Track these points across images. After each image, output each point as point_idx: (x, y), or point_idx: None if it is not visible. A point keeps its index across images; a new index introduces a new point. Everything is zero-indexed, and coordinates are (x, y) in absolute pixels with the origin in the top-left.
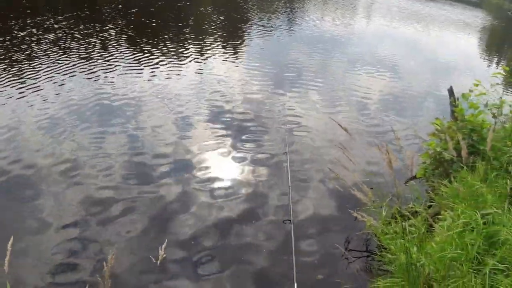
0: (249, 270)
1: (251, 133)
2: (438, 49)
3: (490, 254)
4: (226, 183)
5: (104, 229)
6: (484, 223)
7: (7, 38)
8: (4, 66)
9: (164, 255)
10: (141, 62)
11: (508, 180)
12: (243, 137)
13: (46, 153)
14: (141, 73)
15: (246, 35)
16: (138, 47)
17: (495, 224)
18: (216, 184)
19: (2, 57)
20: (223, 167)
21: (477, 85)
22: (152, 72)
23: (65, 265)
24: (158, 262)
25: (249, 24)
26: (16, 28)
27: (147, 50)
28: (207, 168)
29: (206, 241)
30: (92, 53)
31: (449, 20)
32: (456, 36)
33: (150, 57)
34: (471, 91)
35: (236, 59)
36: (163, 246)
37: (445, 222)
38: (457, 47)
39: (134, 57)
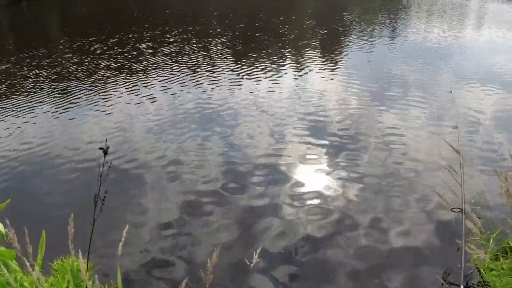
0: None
1: (348, 150)
2: None
3: None
4: (318, 200)
5: (198, 230)
6: None
7: (127, 49)
8: (123, 75)
9: (258, 260)
10: (243, 74)
11: None
12: (340, 154)
13: (154, 156)
14: (242, 84)
15: (347, 48)
16: (240, 60)
17: None
18: (308, 201)
19: (123, 66)
20: (317, 183)
21: None
22: (253, 84)
23: (161, 259)
24: (252, 266)
25: (351, 37)
26: (133, 41)
27: (249, 62)
28: (300, 183)
29: (295, 254)
30: (199, 66)
31: None
32: None
33: (252, 70)
34: None
35: (336, 73)
36: (258, 251)
37: None
38: None
39: (236, 69)
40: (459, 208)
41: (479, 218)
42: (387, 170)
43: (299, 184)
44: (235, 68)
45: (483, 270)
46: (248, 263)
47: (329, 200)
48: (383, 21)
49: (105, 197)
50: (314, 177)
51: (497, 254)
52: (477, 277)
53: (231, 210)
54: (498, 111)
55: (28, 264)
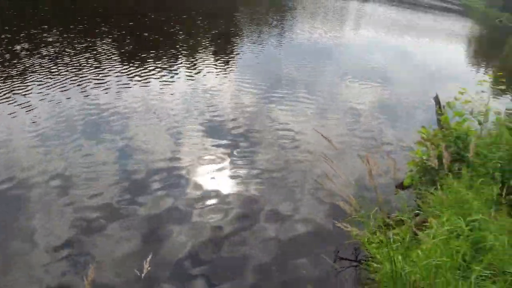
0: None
1: (243, 148)
2: (427, 58)
3: (477, 261)
4: (219, 200)
5: (94, 246)
6: (470, 230)
7: None
8: None
9: (149, 268)
10: (132, 76)
11: (494, 186)
12: (235, 152)
13: (36, 171)
14: (131, 87)
15: (237, 48)
16: (128, 61)
17: (481, 231)
18: (208, 201)
19: None
20: (216, 183)
21: (462, 93)
22: (143, 86)
23: (54, 281)
24: (143, 275)
25: (240, 38)
26: (6, 42)
27: (138, 64)
28: (199, 184)
29: (200, 255)
30: (83, 67)
31: (437, 29)
32: (444, 45)
33: (142, 71)
34: (456, 99)
35: (228, 72)
36: (148, 259)
37: (431, 230)
38: (446, 56)
39: (125, 71)
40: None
41: (359, 198)
42: (280, 164)
43: (198, 186)
44: (123, 70)
45: (364, 245)
46: (139, 274)
47: (229, 198)
48: (270, 22)
49: None
50: (212, 177)
51: (376, 230)
52: (364, 252)
53: (129, 221)
54: (375, 102)
55: None
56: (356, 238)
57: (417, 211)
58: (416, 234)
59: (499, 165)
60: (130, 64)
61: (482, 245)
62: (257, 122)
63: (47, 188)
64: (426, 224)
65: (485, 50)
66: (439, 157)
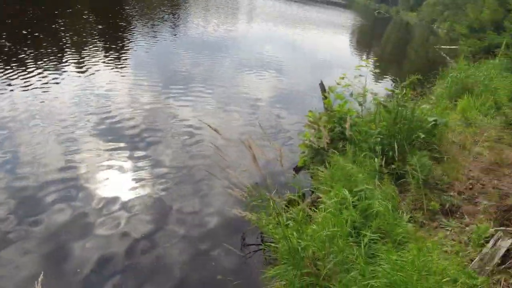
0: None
1: (141, 148)
2: (314, 48)
3: (367, 227)
4: (121, 205)
5: None
6: (358, 200)
7: None
8: None
9: None
10: (10, 79)
11: (375, 159)
12: (134, 153)
13: None
14: (10, 92)
15: (129, 44)
16: (5, 62)
17: (367, 199)
18: (111, 208)
19: None
20: (117, 188)
21: (342, 78)
22: (27, 88)
23: None
24: None
25: (132, 32)
26: None
27: (18, 64)
28: (98, 191)
29: (109, 266)
30: None
31: (324, 21)
32: (329, 36)
33: (22, 72)
34: (338, 84)
35: (121, 69)
36: (39, 279)
37: (324, 204)
38: (331, 46)
39: (2, 72)
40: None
41: (256, 183)
42: (181, 161)
43: (98, 194)
44: (2, 72)
45: (264, 227)
46: None
47: (132, 202)
48: (163, 16)
49: None
50: (112, 183)
51: (271, 212)
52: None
53: (23, 244)
54: (270, 92)
55: None
56: (255, 222)
57: (312, 190)
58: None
59: (379, 139)
60: (7, 66)
61: (370, 212)
62: (154, 120)
63: None
64: (320, 199)
65: (365, 39)
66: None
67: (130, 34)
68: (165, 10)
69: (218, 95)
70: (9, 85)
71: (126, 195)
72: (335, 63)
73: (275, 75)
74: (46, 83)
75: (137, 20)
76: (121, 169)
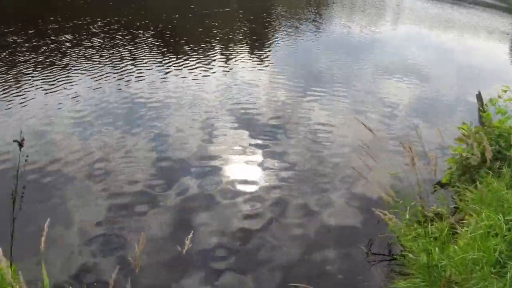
0: (263, 270)
1: (278, 140)
2: (469, 55)
3: None
4: (252, 190)
5: (128, 226)
6: (509, 229)
7: (45, 42)
8: (41, 70)
9: (190, 245)
10: (171, 68)
11: None
12: (270, 145)
13: (75, 155)
14: (170, 78)
15: (273, 41)
16: (168, 53)
17: None
18: (242, 192)
19: (41, 61)
20: (249, 174)
21: (505, 90)
22: (182, 78)
23: (90, 259)
24: (184, 251)
25: (276, 30)
26: (55, 32)
27: (177, 56)
28: (233, 175)
29: (231, 244)
30: (124, 59)
31: (480, 26)
32: (487, 42)
33: (180, 63)
34: (499, 96)
35: (263, 64)
36: (189, 236)
37: (469, 226)
38: (488, 53)
39: (164, 63)
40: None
41: (396, 191)
42: (317, 156)
43: (230, 176)
44: (163, 62)
45: (400, 237)
46: (180, 249)
47: (261, 189)
48: (308, 16)
49: (23, 193)
50: (246, 168)
51: (412, 223)
52: (397, 244)
53: (163, 207)
54: (415, 99)
55: None
56: (393, 230)
57: (454, 208)
58: (454, 229)
59: None
60: (169, 57)
61: None
62: (292, 116)
63: (86, 171)
64: (464, 221)
65: None
66: (481, 155)
67: (274, 32)
68: (312, 10)
69: (354, 98)
70: (171, 72)
71: (254, 182)
72: (493, 74)
73: (419, 82)
74: (200, 73)
75: (283, 20)
76: (252, 156)
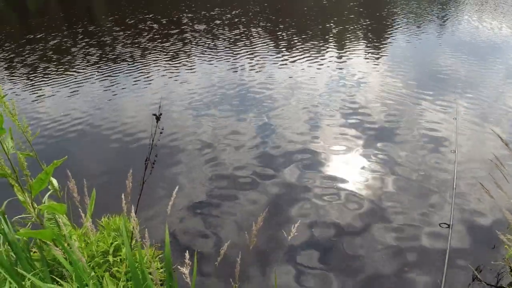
0: (351, 275)
1: (385, 142)
2: None
3: None
4: (351, 190)
5: (233, 208)
6: None
7: (175, 31)
8: (168, 58)
9: (296, 233)
10: (284, 59)
11: None
12: (376, 146)
13: (188, 131)
14: (283, 69)
15: (390, 37)
16: (281, 44)
17: None
18: (341, 189)
19: (169, 49)
20: (351, 173)
21: None
22: (294, 69)
23: (201, 230)
24: (289, 238)
25: (395, 26)
26: (185, 21)
27: (290, 47)
28: (335, 170)
29: (324, 241)
30: (240, 48)
31: None
32: None
33: (293, 55)
34: None
35: (380, 59)
36: (296, 225)
37: None
38: None
39: (278, 54)
40: (447, 224)
41: None
42: (424, 166)
43: (334, 172)
44: (276, 53)
45: None
46: (286, 235)
47: (362, 191)
48: (432, 10)
49: (155, 160)
50: (348, 166)
51: None
52: (508, 276)
53: (265, 193)
54: None
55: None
56: (509, 259)
57: None
58: None
59: None
60: (283, 48)
61: None
62: (405, 119)
63: (194, 148)
64: None
65: None
66: None
67: (392, 28)
68: (435, 3)
69: (479, 104)
70: (284, 63)
71: (354, 181)
72: None
73: None
74: (312, 65)
75: (401, 15)
76: (357, 155)
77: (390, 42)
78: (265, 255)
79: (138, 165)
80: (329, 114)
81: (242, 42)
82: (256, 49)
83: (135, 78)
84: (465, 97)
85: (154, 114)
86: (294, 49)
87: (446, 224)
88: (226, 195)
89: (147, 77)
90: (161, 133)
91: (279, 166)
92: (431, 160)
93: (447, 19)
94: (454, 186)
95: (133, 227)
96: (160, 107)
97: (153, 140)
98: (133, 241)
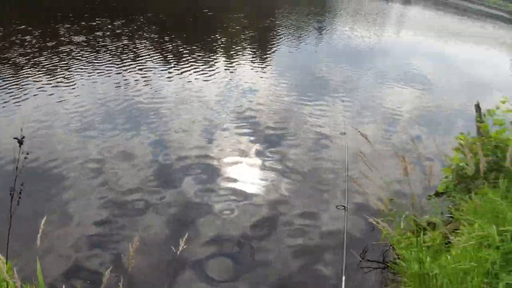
0: (258, 276)
1: (277, 146)
2: (471, 66)
3: (506, 271)
4: (246, 190)
5: (127, 225)
6: (502, 240)
7: (52, 42)
8: (43, 69)
9: (185, 247)
10: (172, 70)
11: None
12: (269, 146)
13: (75, 152)
14: (171, 78)
15: (275, 45)
16: (170, 55)
17: None
18: (237, 190)
19: (44, 60)
20: (247, 174)
21: (504, 102)
22: (181, 77)
23: (89, 253)
24: (178, 252)
25: (279, 35)
26: (63, 32)
27: (179, 58)
28: (230, 174)
29: (230, 247)
30: (126, 60)
31: (484, 37)
32: (490, 53)
33: (182, 65)
34: (497, 108)
35: (265, 68)
36: (184, 238)
37: (462, 236)
38: (491, 64)
39: (166, 65)
40: (343, 206)
41: (391, 199)
42: (313, 163)
43: (231, 182)
44: (165, 64)
45: (393, 245)
46: (174, 250)
47: (258, 194)
48: (310, 23)
49: (21, 190)
50: (245, 174)
51: (406, 231)
52: (391, 252)
53: (162, 208)
54: (415, 107)
55: None
56: (385, 238)
57: (449, 218)
58: (447, 238)
59: None
60: (171, 59)
61: None
62: (291, 121)
63: (83, 169)
64: (458, 231)
65: None
66: (476, 165)
67: (276, 37)
68: (312, 17)
69: (356, 104)
70: (172, 74)
71: (247, 186)
72: (492, 84)
73: (420, 91)
74: (199, 75)
75: (285, 26)
76: (248, 161)
77: (274, 52)
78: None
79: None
80: (221, 125)
81: (126, 55)
82: (142, 61)
83: (3, 99)
84: (343, 99)
85: (16, 138)
86: (181, 61)
87: (343, 206)
88: (118, 224)
89: (18, 98)
90: (25, 158)
91: (174, 184)
92: (321, 157)
93: (323, 30)
94: (347, 173)
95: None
96: (21, 129)
97: (17, 168)
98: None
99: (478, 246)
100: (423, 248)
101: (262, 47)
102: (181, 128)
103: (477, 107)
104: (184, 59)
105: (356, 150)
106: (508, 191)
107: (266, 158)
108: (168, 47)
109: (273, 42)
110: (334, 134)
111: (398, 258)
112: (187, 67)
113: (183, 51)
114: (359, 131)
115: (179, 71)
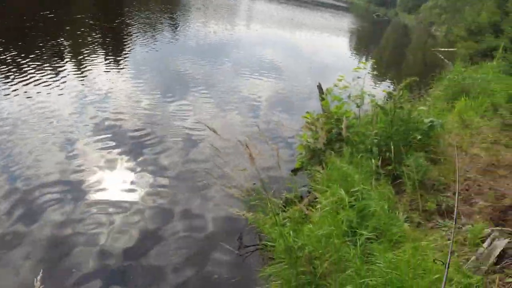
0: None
1: (143, 150)
2: (314, 52)
3: (363, 226)
4: (120, 201)
5: None
6: (355, 200)
7: None
8: None
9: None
10: (10, 82)
11: (372, 160)
12: (136, 155)
13: None
14: (10, 95)
15: (129, 46)
16: (2, 66)
17: (364, 200)
18: (109, 204)
19: None
20: (118, 187)
21: (340, 80)
22: (17, 94)
23: None
24: None
25: (132, 34)
26: None
27: (11, 69)
28: (98, 190)
29: (109, 262)
30: None
31: (323, 25)
32: (329, 39)
33: (16, 77)
34: (335, 85)
35: (121, 71)
36: (39, 277)
37: (321, 204)
38: (331, 49)
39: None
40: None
41: (253, 184)
42: (183, 162)
43: (97, 195)
44: (2, 79)
45: (260, 227)
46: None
47: (131, 204)
48: (163, 20)
49: None
50: (112, 184)
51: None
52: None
53: (22, 243)
54: (270, 94)
55: None
56: (253, 222)
57: (309, 190)
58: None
59: (376, 140)
60: (6, 71)
61: (366, 212)
62: (153, 123)
63: None
64: (317, 200)
65: (363, 42)
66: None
67: (128, 36)
68: (165, 13)
69: (218, 98)
70: (10, 86)
71: (122, 196)
72: (334, 66)
73: (274, 78)
74: (45, 85)
75: (135, 23)
76: (119, 171)
77: (128, 53)
78: None
79: None
80: (83, 135)
81: None
82: None
83: None
84: (205, 95)
85: None
86: (23, 71)
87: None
88: None
89: None
90: None
91: (38, 209)
92: (197, 154)
93: (177, 27)
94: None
95: None
96: None
97: None
98: None
99: (335, 210)
100: (284, 224)
101: (115, 49)
102: (35, 150)
103: (319, 87)
104: (27, 69)
105: (222, 144)
106: (352, 157)
107: (137, 165)
108: (3, 58)
109: (126, 43)
110: (201, 132)
111: (267, 238)
112: (26, 79)
113: (20, 61)
114: (206, 125)
115: (23, 83)
